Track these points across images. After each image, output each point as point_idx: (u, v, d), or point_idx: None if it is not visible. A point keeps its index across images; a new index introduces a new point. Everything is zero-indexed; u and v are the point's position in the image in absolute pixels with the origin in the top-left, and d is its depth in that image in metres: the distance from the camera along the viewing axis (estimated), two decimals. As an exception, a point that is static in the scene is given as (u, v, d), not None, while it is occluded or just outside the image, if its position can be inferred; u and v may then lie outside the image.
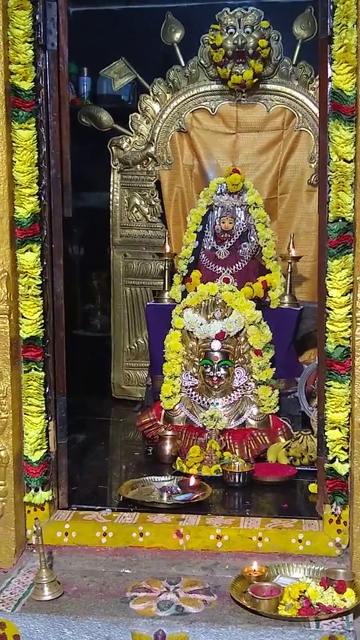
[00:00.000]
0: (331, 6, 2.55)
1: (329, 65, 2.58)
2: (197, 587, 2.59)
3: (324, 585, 2.48)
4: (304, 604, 2.42)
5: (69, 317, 5.29)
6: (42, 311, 2.85)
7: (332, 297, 2.61)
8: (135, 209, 4.92)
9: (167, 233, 4.64)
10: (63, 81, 3.00)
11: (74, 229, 5.48)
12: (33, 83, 2.78)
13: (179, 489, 3.28)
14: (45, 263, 2.88)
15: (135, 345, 4.97)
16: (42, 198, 2.87)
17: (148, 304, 4.46)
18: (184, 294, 4.21)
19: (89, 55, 5.15)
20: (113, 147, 4.89)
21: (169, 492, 3.23)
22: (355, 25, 2.53)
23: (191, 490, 3.21)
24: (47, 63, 2.91)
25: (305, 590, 2.46)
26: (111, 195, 4.94)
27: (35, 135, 2.80)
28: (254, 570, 2.59)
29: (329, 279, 2.63)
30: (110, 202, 4.95)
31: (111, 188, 4.94)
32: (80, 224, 5.36)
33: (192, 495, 3.18)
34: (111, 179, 4.93)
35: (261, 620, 2.40)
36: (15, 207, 2.78)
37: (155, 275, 4.85)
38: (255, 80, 4.53)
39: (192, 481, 3.30)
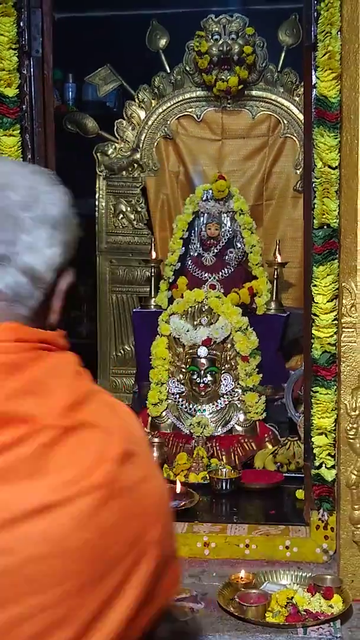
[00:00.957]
0: (315, 14, 2.55)
1: (313, 72, 2.59)
2: (184, 594, 2.58)
3: (311, 592, 2.48)
4: (291, 610, 2.41)
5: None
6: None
7: (317, 303, 2.61)
8: (121, 216, 4.92)
9: (153, 239, 4.64)
10: (48, 88, 2.98)
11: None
12: (18, 90, 2.78)
13: None
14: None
15: (122, 352, 4.95)
16: (27, 205, 2.85)
17: (134, 310, 4.45)
18: (170, 300, 4.21)
19: (74, 62, 5.15)
20: (98, 154, 4.88)
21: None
22: (339, 33, 2.54)
23: (177, 498, 3.20)
24: (32, 70, 2.90)
25: (292, 597, 2.45)
26: (97, 202, 4.93)
27: (20, 142, 2.79)
28: (242, 578, 2.59)
29: (315, 285, 2.63)
30: (96, 209, 4.94)
31: (97, 194, 4.92)
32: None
33: (179, 503, 3.16)
34: (97, 186, 4.92)
35: (249, 627, 2.39)
36: None
37: (142, 282, 4.85)
38: (240, 87, 4.54)
39: (178, 488, 3.28)
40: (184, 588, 2.62)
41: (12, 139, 2.76)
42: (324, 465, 2.70)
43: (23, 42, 2.83)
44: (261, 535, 2.85)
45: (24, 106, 2.84)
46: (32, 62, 2.90)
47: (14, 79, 2.76)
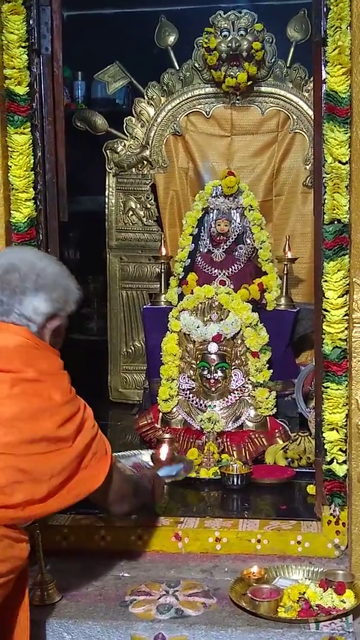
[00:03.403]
0: (325, 8, 2.55)
1: (323, 68, 2.58)
2: (196, 590, 2.59)
3: (323, 587, 2.48)
4: (303, 605, 2.41)
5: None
6: (38, 315, 2.85)
7: (328, 298, 2.61)
8: (130, 213, 4.93)
9: (162, 236, 4.64)
10: (57, 85, 2.99)
11: (70, 233, 5.48)
12: (28, 88, 2.79)
13: (151, 464, 3.17)
14: (41, 267, 2.88)
15: (132, 348, 4.97)
16: (38, 202, 2.87)
17: (144, 307, 4.46)
18: (181, 296, 4.22)
19: (83, 59, 5.17)
20: (108, 151, 4.89)
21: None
22: (349, 27, 2.54)
23: (167, 463, 3.15)
24: (42, 67, 2.91)
25: (304, 592, 2.45)
26: (106, 199, 4.94)
27: (31, 140, 2.81)
28: (253, 573, 2.59)
29: (325, 281, 2.63)
30: (106, 206, 4.96)
31: (106, 192, 4.94)
32: (76, 227, 5.37)
33: (173, 471, 3.13)
34: (106, 183, 4.93)
35: (261, 622, 2.39)
36: (12, 211, 2.79)
37: (152, 279, 4.85)
38: (249, 83, 4.54)
39: (164, 453, 3.23)
40: (196, 583, 2.63)
41: (23, 137, 2.78)
42: (335, 460, 2.70)
43: (32, 40, 2.84)
44: (273, 531, 2.86)
45: (34, 104, 2.85)
46: (41, 60, 2.91)
47: (24, 77, 2.77)
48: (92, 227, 5.15)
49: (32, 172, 2.81)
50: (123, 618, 2.45)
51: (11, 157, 2.76)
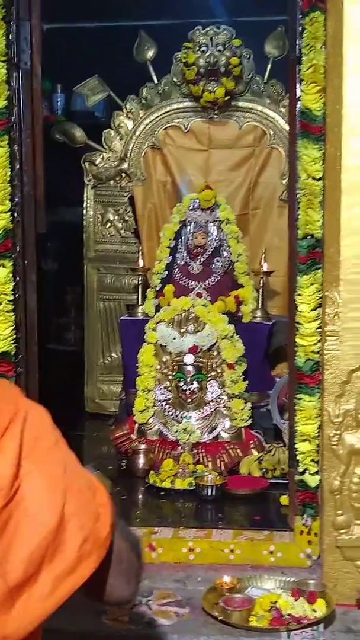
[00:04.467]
0: (300, 27, 2.61)
1: (298, 85, 2.64)
2: (169, 599, 2.61)
3: (295, 596, 2.52)
4: (275, 614, 2.44)
5: (43, 331, 5.27)
6: (14, 327, 2.87)
7: (301, 311, 2.66)
8: (108, 224, 4.96)
9: (140, 248, 4.68)
10: (36, 99, 3.03)
11: (48, 244, 5.51)
12: (6, 101, 2.82)
13: None
14: (18, 279, 2.90)
15: (109, 359, 4.99)
16: (15, 214, 2.89)
17: (121, 318, 4.49)
18: (158, 308, 4.25)
19: (62, 72, 5.21)
20: (86, 163, 4.93)
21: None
22: (323, 47, 2.60)
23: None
24: (21, 81, 2.95)
25: (276, 601, 2.48)
26: (85, 211, 4.97)
27: (8, 153, 2.83)
28: (226, 582, 2.62)
29: (299, 294, 2.68)
30: (84, 218, 4.98)
31: (84, 203, 4.97)
32: (54, 238, 5.40)
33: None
34: (85, 195, 4.96)
35: (233, 631, 2.42)
36: (-12, 223, 2.81)
37: (129, 290, 4.88)
38: (227, 98, 4.61)
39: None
40: (169, 592, 2.65)
41: (0, 150, 2.80)
42: (307, 471, 2.74)
43: (12, 55, 2.87)
44: (246, 541, 2.89)
45: (12, 117, 2.88)
46: (20, 74, 2.95)
47: (2, 91, 2.80)
48: (70, 239, 5.19)
49: (9, 184, 2.83)
50: (97, 628, 2.46)
51: (-12, 169, 2.78)
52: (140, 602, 2.59)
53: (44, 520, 1.09)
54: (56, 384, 4.59)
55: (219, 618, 2.47)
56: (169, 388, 3.95)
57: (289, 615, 2.44)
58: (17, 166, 2.92)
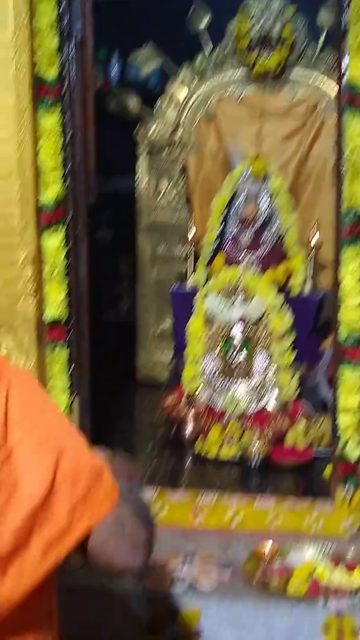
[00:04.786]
0: (346, 0, 2.57)
1: (344, 58, 2.61)
2: (211, 563, 2.67)
3: (333, 565, 2.55)
4: (312, 582, 2.49)
5: (97, 301, 5.38)
6: (66, 293, 2.93)
7: (344, 285, 2.66)
8: (161, 194, 4.98)
9: (192, 218, 4.69)
10: (88, 69, 3.05)
11: (102, 214, 5.57)
12: (58, 72, 2.85)
13: None
14: (69, 247, 2.96)
15: (161, 329, 5.03)
16: (66, 184, 2.94)
17: (172, 288, 4.52)
18: (208, 279, 4.27)
19: (118, 42, 5.22)
20: (140, 133, 4.94)
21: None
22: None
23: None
24: (72, 52, 2.97)
25: (314, 570, 2.53)
26: (138, 181, 5.00)
27: (60, 123, 2.87)
28: (266, 549, 2.67)
29: (342, 268, 2.67)
30: (137, 187, 5.01)
31: (138, 173, 4.99)
32: (108, 208, 5.45)
33: None
34: (138, 165, 4.99)
35: (271, 598, 2.47)
36: (40, 193, 2.86)
37: (181, 260, 4.90)
38: (280, 68, 4.55)
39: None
40: (211, 557, 2.71)
41: (52, 120, 2.84)
42: (349, 443, 2.76)
43: (64, 25, 2.89)
44: (287, 509, 2.93)
45: (64, 87, 2.91)
46: (72, 44, 2.97)
47: (54, 61, 2.83)
48: (124, 208, 5.22)
49: (61, 154, 2.87)
50: (139, 587, 2.54)
51: (40, 139, 2.83)
52: (183, 565, 2.66)
53: (34, 490, 1.13)
54: (110, 353, 4.68)
55: (258, 584, 2.52)
56: (218, 358, 3.98)
57: (326, 583, 2.48)
58: (69, 136, 2.96)
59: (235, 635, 2.44)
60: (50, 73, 2.82)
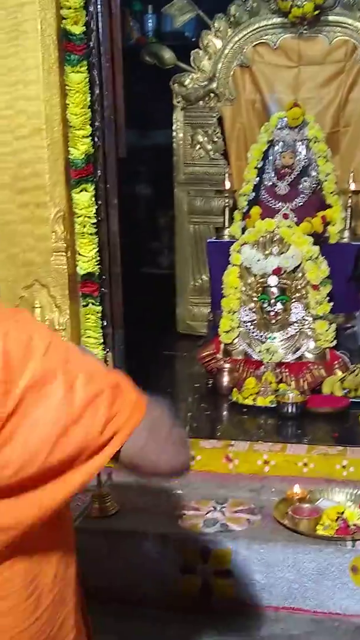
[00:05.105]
0: None
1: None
2: (242, 507, 2.76)
3: (362, 508, 2.61)
4: (341, 524, 2.55)
5: (137, 255, 5.43)
6: (97, 248, 3.01)
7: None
8: (198, 146, 4.97)
9: (227, 169, 4.68)
10: (115, 24, 3.09)
11: (140, 168, 5.58)
12: (84, 27, 2.89)
13: None
14: (100, 202, 3.02)
15: (200, 281, 5.06)
16: (96, 139, 2.99)
17: (208, 240, 4.53)
18: (244, 230, 4.27)
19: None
20: (175, 85, 4.91)
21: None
22: None
23: None
24: (99, 7, 2.99)
25: (343, 512, 2.58)
26: (174, 133, 4.99)
27: (88, 78, 2.92)
28: (297, 493, 2.73)
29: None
30: (174, 140, 5.01)
31: (174, 126, 4.98)
32: (146, 162, 5.46)
33: None
34: (174, 117, 4.98)
35: (300, 538, 2.54)
36: (70, 148, 2.92)
37: (218, 212, 4.88)
38: (316, 12, 4.46)
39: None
40: (243, 501, 2.79)
41: (80, 75, 2.89)
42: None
43: (89, -20, 2.91)
44: (319, 455, 2.98)
45: (91, 43, 2.94)
46: (99, 0, 2.99)
47: (80, 17, 2.86)
48: (161, 162, 5.23)
49: (89, 109, 2.92)
50: (174, 530, 2.64)
51: (68, 95, 2.87)
52: (215, 508, 2.75)
53: (59, 414, 1.14)
54: (150, 307, 4.76)
55: (288, 526, 2.59)
56: (254, 309, 4.00)
57: (354, 525, 2.54)
58: (97, 91, 3.01)
59: (264, 575, 2.52)
60: (77, 29, 2.85)
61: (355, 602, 2.46)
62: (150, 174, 5.61)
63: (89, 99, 2.90)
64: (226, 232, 4.41)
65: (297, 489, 2.73)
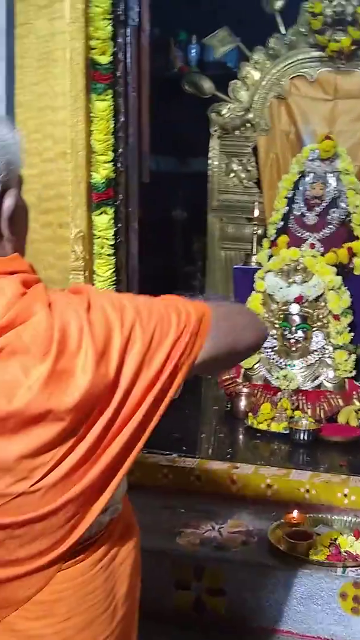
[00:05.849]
0: None
1: None
2: (240, 528, 2.79)
3: (356, 536, 2.62)
4: (333, 550, 2.57)
5: (170, 279, 5.52)
6: (114, 269, 3.10)
7: None
8: (232, 174, 5.08)
9: (259, 198, 4.76)
10: (143, 55, 3.20)
11: (178, 193, 5.71)
12: (111, 57, 3.01)
13: None
14: (120, 225, 3.12)
15: (228, 306, 5.12)
16: (119, 165, 3.10)
17: (235, 267, 4.62)
18: (271, 258, 4.34)
19: (198, 23, 5.32)
20: (213, 114, 5.04)
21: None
22: None
23: None
24: (129, 38, 3.12)
25: (336, 538, 2.61)
26: (210, 161, 5.11)
27: (112, 106, 3.04)
28: (294, 517, 2.76)
29: None
30: (209, 168, 5.12)
31: (210, 153, 5.10)
32: (183, 188, 5.58)
33: None
34: (210, 145, 5.09)
35: (293, 562, 2.57)
36: (92, 173, 3.04)
37: (249, 240, 4.97)
38: (353, 47, 4.56)
39: None
40: (241, 522, 2.84)
41: (105, 103, 3.01)
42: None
43: (119, 12, 3.04)
44: (321, 482, 3.00)
45: (118, 72, 3.06)
46: (128, 31, 3.12)
47: (107, 48, 2.99)
48: (198, 189, 5.34)
49: (112, 136, 3.03)
50: (171, 547, 2.69)
51: (93, 122, 3.00)
52: (213, 528, 2.79)
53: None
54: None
55: (281, 549, 2.62)
56: (275, 336, 4.06)
57: (346, 552, 2.56)
58: (122, 119, 3.12)
59: (255, 596, 2.55)
60: (103, 60, 2.98)
61: (343, 628, 2.47)
62: (186, 199, 5.73)
63: (112, 126, 3.02)
64: (253, 259, 4.48)
65: (295, 514, 2.76)
